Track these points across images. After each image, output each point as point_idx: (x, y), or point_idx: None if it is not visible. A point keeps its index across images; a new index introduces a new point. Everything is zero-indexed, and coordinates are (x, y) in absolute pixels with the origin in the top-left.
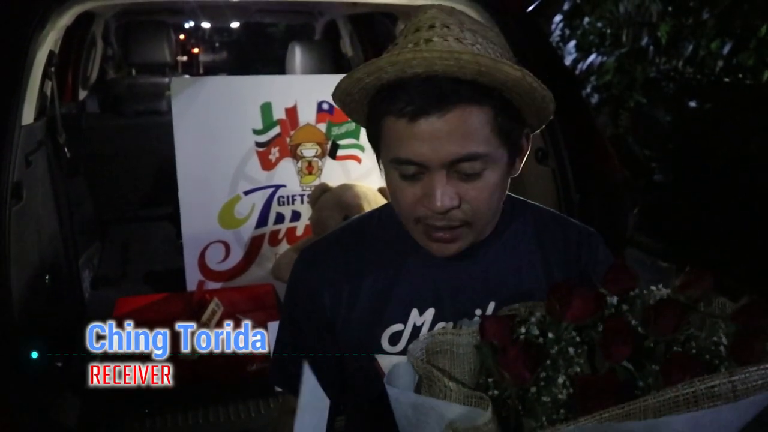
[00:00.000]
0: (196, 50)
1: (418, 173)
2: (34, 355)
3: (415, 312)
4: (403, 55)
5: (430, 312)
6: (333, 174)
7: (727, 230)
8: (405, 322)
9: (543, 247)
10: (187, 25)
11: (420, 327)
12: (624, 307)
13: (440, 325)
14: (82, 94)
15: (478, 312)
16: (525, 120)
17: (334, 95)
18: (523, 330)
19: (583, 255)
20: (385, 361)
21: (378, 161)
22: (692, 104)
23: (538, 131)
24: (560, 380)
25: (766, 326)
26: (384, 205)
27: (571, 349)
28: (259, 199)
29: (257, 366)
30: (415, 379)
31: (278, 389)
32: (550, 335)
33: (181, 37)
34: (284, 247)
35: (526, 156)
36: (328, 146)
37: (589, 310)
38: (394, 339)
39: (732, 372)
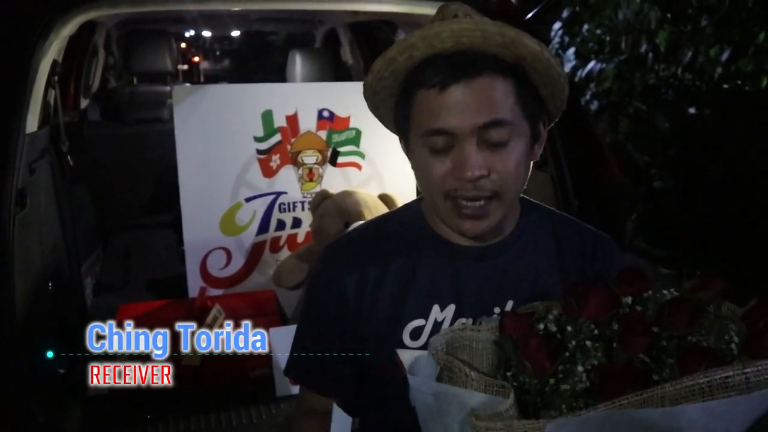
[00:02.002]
0: (196, 59)
1: (448, 146)
2: (50, 354)
3: (436, 308)
4: (433, 29)
5: (451, 308)
6: (333, 181)
7: (727, 236)
8: (426, 318)
9: (560, 250)
10: (187, 34)
11: (441, 323)
12: (638, 307)
13: (460, 321)
14: (84, 103)
15: (497, 310)
16: (543, 101)
17: (366, 83)
18: (541, 326)
19: (598, 260)
20: (405, 356)
21: (406, 144)
22: (691, 111)
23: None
24: (580, 369)
25: None
26: (405, 205)
27: (588, 343)
28: (260, 206)
29: (259, 371)
30: (436, 371)
31: (283, 394)
32: (569, 328)
33: (182, 45)
34: (285, 253)
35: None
36: (329, 153)
37: (605, 308)
38: (416, 334)
39: (745, 364)
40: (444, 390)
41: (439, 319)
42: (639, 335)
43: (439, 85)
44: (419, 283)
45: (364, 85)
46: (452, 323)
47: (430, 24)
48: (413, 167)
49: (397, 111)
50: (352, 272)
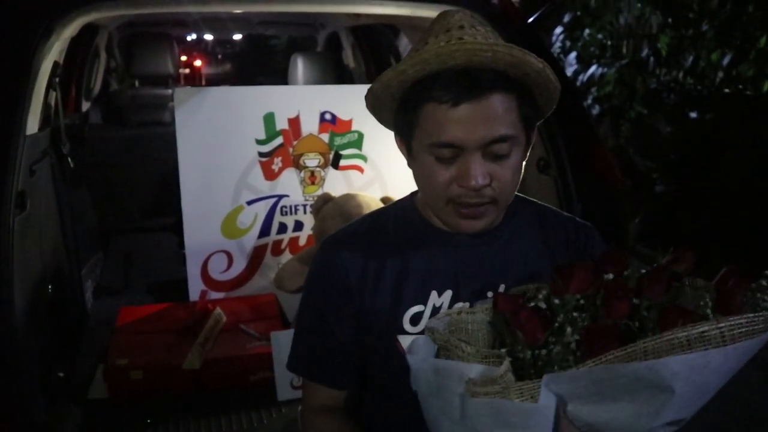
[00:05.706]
0: (198, 62)
1: (453, 156)
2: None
3: (434, 294)
4: (448, 47)
5: (448, 293)
6: (335, 184)
7: (728, 240)
8: (425, 303)
9: (546, 238)
10: (189, 38)
11: (439, 308)
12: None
13: (457, 305)
14: (85, 106)
15: (490, 294)
16: (540, 109)
17: (372, 89)
18: (532, 304)
19: (581, 246)
20: (405, 341)
21: (407, 148)
22: (693, 115)
23: (541, 143)
24: (569, 330)
25: (745, 283)
26: (400, 199)
27: (576, 314)
28: (261, 209)
29: (260, 375)
30: (434, 351)
31: (284, 399)
32: (557, 301)
33: (184, 49)
34: (287, 256)
35: (528, 166)
36: (331, 156)
37: (589, 281)
38: (415, 320)
39: (720, 320)
40: (443, 365)
41: (437, 305)
42: (621, 299)
43: (451, 102)
44: (417, 271)
45: (368, 90)
46: (450, 308)
47: (439, 35)
48: (414, 170)
49: (399, 115)
50: (354, 260)
